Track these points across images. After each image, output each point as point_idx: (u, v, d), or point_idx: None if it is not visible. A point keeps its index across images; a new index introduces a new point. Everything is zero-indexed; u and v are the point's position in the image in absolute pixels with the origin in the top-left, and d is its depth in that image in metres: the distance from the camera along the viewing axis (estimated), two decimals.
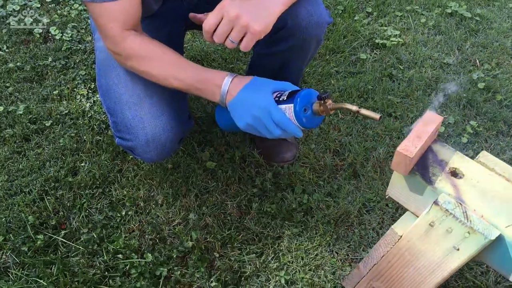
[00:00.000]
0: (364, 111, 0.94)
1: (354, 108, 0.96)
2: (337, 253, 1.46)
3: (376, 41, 2.12)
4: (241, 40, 1.01)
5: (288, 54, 1.34)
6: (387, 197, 1.02)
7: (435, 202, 0.86)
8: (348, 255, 1.46)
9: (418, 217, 0.97)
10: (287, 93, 1.03)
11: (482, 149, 1.72)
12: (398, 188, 0.96)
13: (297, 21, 1.23)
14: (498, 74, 1.98)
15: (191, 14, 1.17)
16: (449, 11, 2.30)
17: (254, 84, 1.04)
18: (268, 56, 1.38)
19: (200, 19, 1.13)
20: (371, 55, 2.07)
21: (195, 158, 1.66)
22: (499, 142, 1.74)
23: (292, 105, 0.99)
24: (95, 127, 1.73)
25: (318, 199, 1.58)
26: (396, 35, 2.16)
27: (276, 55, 1.35)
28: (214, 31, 1.02)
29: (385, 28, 2.20)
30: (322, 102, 0.98)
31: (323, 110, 0.99)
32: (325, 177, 1.64)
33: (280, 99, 1.02)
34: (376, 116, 0.93)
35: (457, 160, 0.93)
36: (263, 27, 1.01)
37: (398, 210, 1.55)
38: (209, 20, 1.00)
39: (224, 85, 1.05)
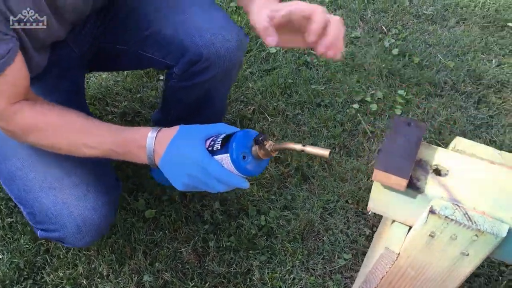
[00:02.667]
0: (309, 149, 0.80)
1: (298, 147, 0.81)
2: (313, 269, 1.35)
3: None
4: None
5: (210, 84, 1.20)
6: (369, 212, 0.91)
7: (431, 211, 0.77)
8: (325, 268, 1.35)
9: (409, 226, 0.87)
10: (220, 139, 0.86)
11: (416, 116, 1.69)
12: (381, 201, 0.86)
13: (214, 50, 1.09)
14: (407, 36, 1.97)
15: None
16: None
17: (181, 136, 0.86)
18: (185, 89, 1.21)
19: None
20: (279, 47, 1.97)
21: (131, 210, 1.46)
22: (431, 105, 1.72)
23: (228, 154, 0.82)
24: (1, 208, 1.46)
25: (276, 216, 1.45)
26: None
27: (195, 87, 1.20)
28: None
29: None
30: (261, 145, 0.83)
31: (264, 154, 0.84)
32: (274, 189, 1.52)
33: (214, 149, 0.85)
34: (325, 152, 0.78)
35: (434, 155, 0.84)
36: None
37: (360, 204, 1.47)
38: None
39: (148, 145, 0.87)
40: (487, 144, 1.59)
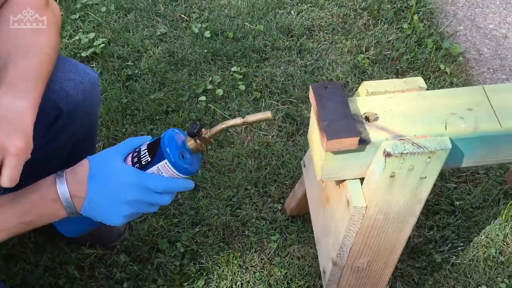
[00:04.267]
0: (251, 118, 0.80)
1: (238, 121, 0.80)
2: (253, 266, 1.32)
3: (83, 54, 1.84)
4: None
5: (76, 137, 1.06)
6: (323, 184, 0.91)
7: (387, 154, 0.80)
8: (262, 258, 1.33)
9: (361, 179, 0.90)
10: (145, 151, 0.80)
11: (260, 84, 1.73)
12: (333, 168, 0.86)
13: (72, 99, 0.97)
14: (208, 16, 1.98)
15: None
16: None
17: (99, 167, 0.77)
18: (51, 153, 1.04)
19: None
20: (98, 71, 1.79)
21: None
22: (265, 69, 1.78)
23: (165, 160, 0.78)
24: None
25: (190, 236, 1.36)
26: (93, 37, 1.91)
27: (60, 148, 1.04)
28: None
29: (77, 37, 1.91)
30: (198, 136, 0.80)
31: (202, 143, 0.81)
32: (172, 212, 1.42)
33: (143, 163, 0.79)
34: (267, 114, 0.79)
35: (358, 105, 0.87)
36: (26, 141, 0.73)
37: (258, 185, 1.47)
38: None
39: (62, 194, 0.76)
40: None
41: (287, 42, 1.87)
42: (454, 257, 1.33)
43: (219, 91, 1.70)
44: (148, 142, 0.82)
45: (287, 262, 1.33)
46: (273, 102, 1.68)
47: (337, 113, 0.82)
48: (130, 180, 0.76)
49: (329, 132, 0.79)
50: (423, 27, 1.93)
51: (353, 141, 0.79)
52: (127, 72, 1.78)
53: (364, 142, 0.82)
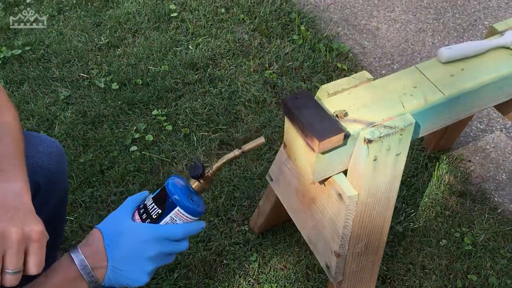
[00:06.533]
0: (247, 147, 0.85)
1: (237, 153, 0.85)
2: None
3: None
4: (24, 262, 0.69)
5: (54, 209, 1.05)
6: (314, 184, 0.98)
7: (368, 141, 0.90)
8: (248, 281, 1.36)
9: (344, 171, 0.99)
10: (152, 205, 0.80)
11: (185, 118, 1.76)
12: (323, 167, 0.93)
13: (48, 173, 0.97)
14: (109, 69, 1.96)
15: None
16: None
17: (113, 234, 0.76)
18: None
19: None
20: None
21: None
22: (185, 105, 1.81)
23: (177, 208, 0.79)
24: None
25: (171, 283, 1.34)
26: None
27: (45, 220, 0.99)
28: None
29: None
30: (201, 177, 0.83)
31: (206, 182, 0.84)
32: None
33: (154, 216, 0.79)
34: (261, 140, 0.85)
35: (325, 107, 0.96)
36: (41, 222, 0.72)
37: (219, 214, 1.49)
38: None
39: (82, 270, 0.73)
40: (248, 104, 1.82)
41: (196, 75, 1.93)
42: (411, 223, 1.48)
43: (149, 137, 1.70)
44: (152, 196, 0.82)
45: (273, 276, 1.37)
46: (204, 133, 1.72)
47: (317, 116, 0.90)
48: (149, 236, 0.76)
49: (318, 134, 0.86)
50: (310, 35, 2.11)
51: (340, 137, 0.88)
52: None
53: (345, 137, 0.91)
